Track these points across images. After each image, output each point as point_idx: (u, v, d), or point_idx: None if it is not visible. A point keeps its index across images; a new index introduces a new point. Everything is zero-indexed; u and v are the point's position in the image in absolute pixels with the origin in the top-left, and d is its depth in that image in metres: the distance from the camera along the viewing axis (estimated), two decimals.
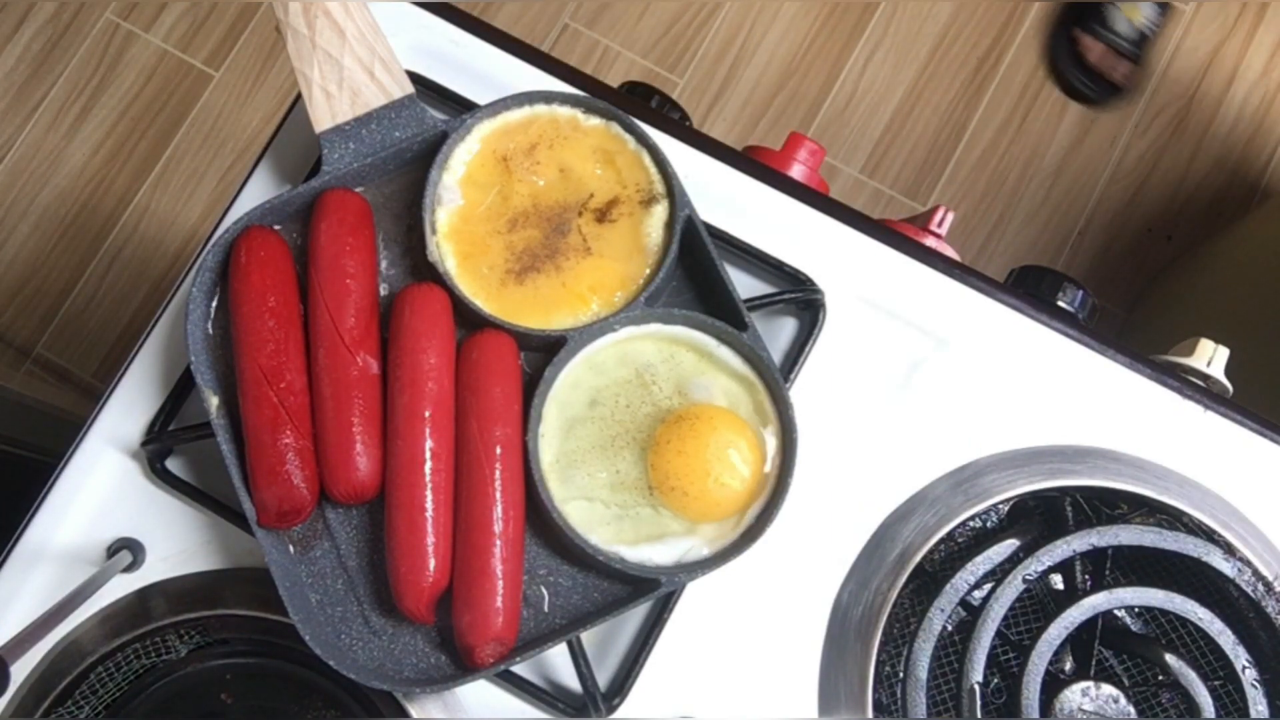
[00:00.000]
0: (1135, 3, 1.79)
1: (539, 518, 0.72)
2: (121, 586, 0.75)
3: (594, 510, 0.72)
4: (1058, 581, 0.75)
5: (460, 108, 0.81)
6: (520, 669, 0.74)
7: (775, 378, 0.73)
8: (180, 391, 0.78)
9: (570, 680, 0.74)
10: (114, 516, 0.77)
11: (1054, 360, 0.80)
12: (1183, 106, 1.89)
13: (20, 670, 0.73)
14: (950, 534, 0.73)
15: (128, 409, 0.78)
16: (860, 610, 0.74)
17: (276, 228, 0.76)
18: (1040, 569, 0.72)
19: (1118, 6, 1.80)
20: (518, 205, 0.76)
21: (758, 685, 0.76)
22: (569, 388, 0.74)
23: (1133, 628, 0.75)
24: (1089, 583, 0.74)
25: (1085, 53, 1.82)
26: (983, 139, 1.90)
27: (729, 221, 0.79)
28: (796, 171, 0.93)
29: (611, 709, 0.73)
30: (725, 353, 0.74)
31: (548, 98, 0.77)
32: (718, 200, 0.80)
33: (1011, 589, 0.72)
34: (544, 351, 0.74)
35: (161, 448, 0.77)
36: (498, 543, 0.68)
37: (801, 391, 0.78)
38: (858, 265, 0.81)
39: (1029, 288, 0.86)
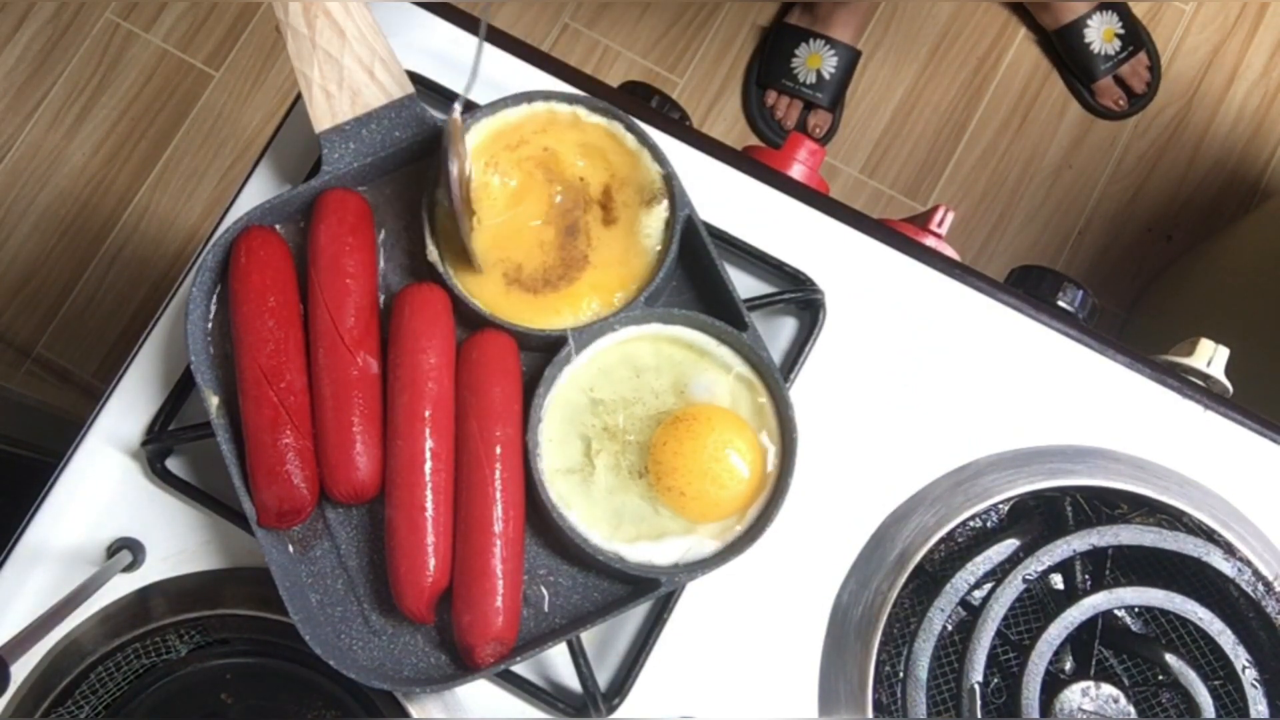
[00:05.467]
0: (819, 54, 1.84)
1: (539, 518, 0.72)
2: (121, 586, 0.75)
3: (594, 510, 0.72)
4: (1058, 581, 0.75)
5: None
6: (520, 669, 0.74)
7: (775, 378, 0.73)
8: (180, 391, 0.78)
9: (570, 680, 0.74)
10: (114, 516, 0.77)
11: (1054, 360, 0.80)
12: (1183, 106, 1.89)
13: (20, 670, 0.73)
14: (950, 534, 0.73)
15: (128, 409, 0.79)
16: (860, 610, 0.74)
17: (276, 228, 0.76)
18: (1040, 569, 0.72)
19: (797, 60, 1.85)
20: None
21: (758, 685, 0.76)
22: (569, 387, 0.74)
23: (1133, 628, 0.75)
24: (1089, 583, 0.74)
25: (774, 109, 1.88)
26: (983, 139, 1.90)
27: (729, 221, 0.79)
28: (796, 171, 0.93)
29: (611, 709, 0.73)
30: (725, 353, 0.74)
31: (547, 96, 0.76)
32: (718, 200, 0.80)
33: (1011, 589, 0.72)
34: (544, 351, 0.74)
35: (161, 448, 0.77)
36: (498, 543, 0.68)
37: (801, 391, 0.78)
38: (858, 265, 0.81)
39: (1029, 287, 0.86)
